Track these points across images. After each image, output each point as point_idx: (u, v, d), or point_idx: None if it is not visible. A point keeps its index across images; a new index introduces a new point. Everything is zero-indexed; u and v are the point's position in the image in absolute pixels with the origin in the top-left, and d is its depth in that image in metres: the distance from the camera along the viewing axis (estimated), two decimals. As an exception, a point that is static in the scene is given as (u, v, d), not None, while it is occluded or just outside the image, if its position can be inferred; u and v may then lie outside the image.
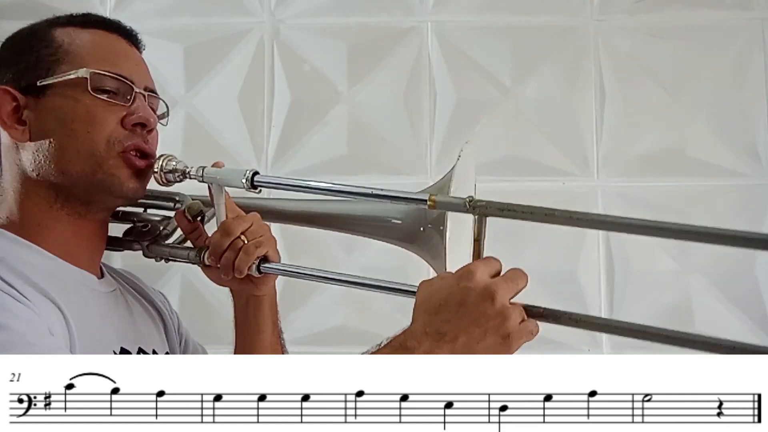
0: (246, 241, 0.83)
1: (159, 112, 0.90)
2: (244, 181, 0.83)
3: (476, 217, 0.72)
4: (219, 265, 0.85)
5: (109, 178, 0.80)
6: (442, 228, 0.80)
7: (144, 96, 0.84)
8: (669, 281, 1.42)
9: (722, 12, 1.47)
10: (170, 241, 0.94)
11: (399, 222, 0.89)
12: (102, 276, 0.87)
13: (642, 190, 1.44)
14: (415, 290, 0.72)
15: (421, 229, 0.86)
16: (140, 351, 0.83)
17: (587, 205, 1.44)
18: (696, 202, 1.43)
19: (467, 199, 0.73)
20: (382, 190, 0.79)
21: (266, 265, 0.86)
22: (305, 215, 0.96)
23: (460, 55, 1.50)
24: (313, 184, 0.84)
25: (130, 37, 0.88)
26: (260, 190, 0.84)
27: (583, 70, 1.48)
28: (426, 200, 0.75)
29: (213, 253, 0.84)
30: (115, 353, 0.78)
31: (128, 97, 0.82)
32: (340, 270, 1.47)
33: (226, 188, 0.87)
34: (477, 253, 0.73)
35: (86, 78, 0.79)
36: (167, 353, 0.91)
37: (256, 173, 0.83)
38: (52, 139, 0.78)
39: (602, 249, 1.43)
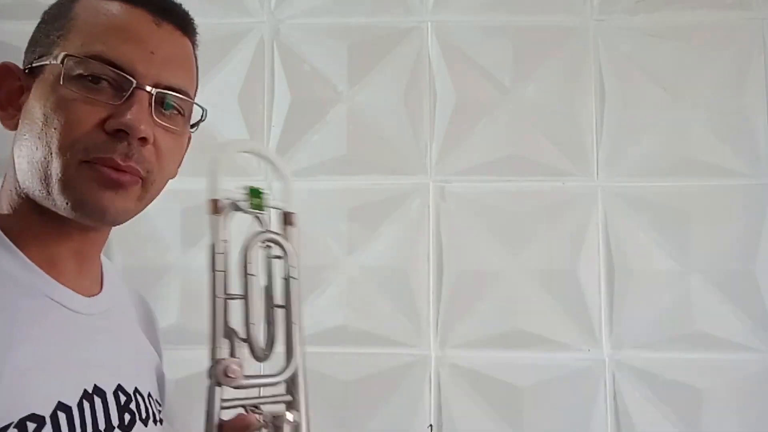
0: None
1: (186, 118, 0.72)
2: None
3: None
4: None
5: (63, 189, 0.63)
6: None
7: (150, 94, 0.65)
8: (669, 281, 1.42)
9: (722, 12, 1.47)
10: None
11: None
12: (97, 293, 0.73)
13: (642, 190, 1.44)
14: None
15: None
16: (119, 389, 0.70)
17: (587, 205, 1.44)
18: (696, 202, 1.43)
19: None
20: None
21: None
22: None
23: (460, 55, 1.50)
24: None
25: (164, 13, 0.68)
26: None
27: (583, 70, 1.48)
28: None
29: None
30: (86, 392, 0.65)
31: (123, 94, 0.64)
32: (340, 270, 1.48)
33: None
34: None
35: (56, 62, 0.63)
36: (149, 394, 0.76)
37: None
38: (26, 134, 0.65)
39: (602, 249, 1.43)
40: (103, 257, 0.78)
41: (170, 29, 0.68)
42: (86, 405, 0.64)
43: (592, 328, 1.42)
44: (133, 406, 0.71)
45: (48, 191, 0.64)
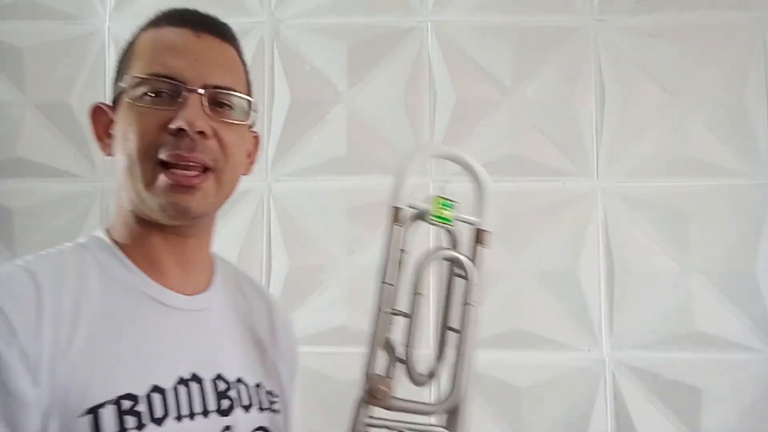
0: None
1: (238, 111, 0.78)
2: None
3: None
4: None
5: (149, 192, 0.73)
6: None
7: (201, 95, 0.74)
8: (669, 281, 1.42)
9: (722, 12, 1.48)
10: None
11: None
12: (201, 292, 0.80)
13: (642, 190, 1.44)
14: None
15: None
16: (219, 377, 0.76)
17: (587, 205, 1.44)
18: (696, 202, 1.43)
19: None
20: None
21: None
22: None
23: (460, 55, 1.50)
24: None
25: (202, 27, 0.78)
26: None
27: (583, 70, 1.48)
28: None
29: None
30: (182, 378, 0.73)
31: (179, 99, 0.73)
32: (340, 270, 1.48)
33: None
34: None
35: (126, 86, 0.76)
36: (258, 384, 0.81)
37: None
38: (117, 153, 0.76)
39: (602, 249, 1.43)
40: (222, 259, 0.87)
41: (209, 38, 0.79)
42: (182, 390, 0.72)
43: (592, 328, 1.42)
44: (233, 393, 0.76)
45: (139, 196, 0.74)
